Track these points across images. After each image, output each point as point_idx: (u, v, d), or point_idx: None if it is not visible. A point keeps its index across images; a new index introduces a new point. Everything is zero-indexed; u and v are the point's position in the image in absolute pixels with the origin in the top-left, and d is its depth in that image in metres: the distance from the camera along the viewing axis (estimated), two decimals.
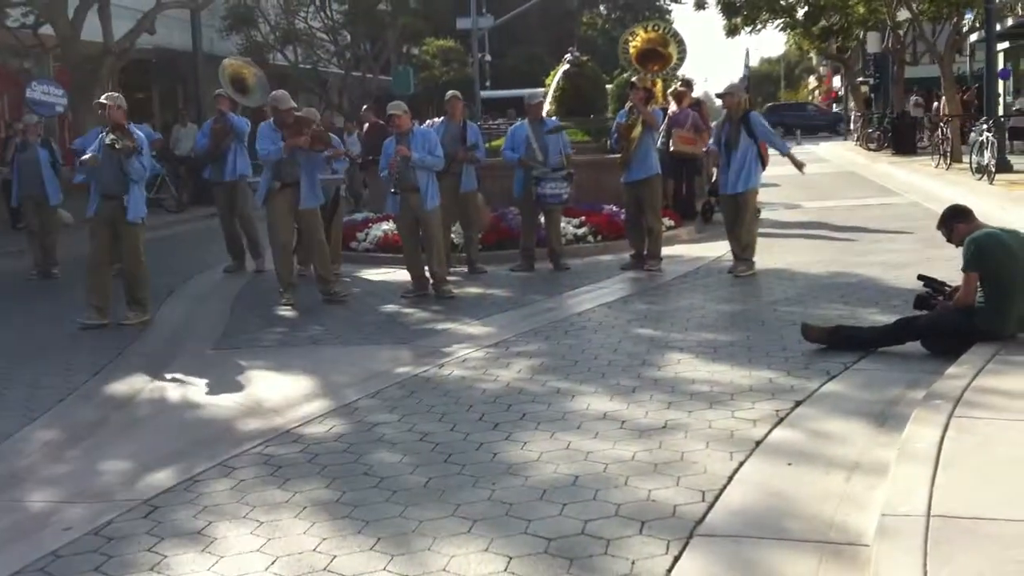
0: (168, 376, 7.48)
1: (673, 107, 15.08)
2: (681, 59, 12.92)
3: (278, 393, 6.82)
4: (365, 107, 20.06)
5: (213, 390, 7.04)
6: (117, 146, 9.04)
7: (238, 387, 7.12)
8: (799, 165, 10.89)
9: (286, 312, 9.72)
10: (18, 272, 13.19)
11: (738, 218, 10.59)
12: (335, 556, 4.17)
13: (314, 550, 4.24)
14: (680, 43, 12.87)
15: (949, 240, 7.23)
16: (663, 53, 12.71)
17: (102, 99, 9.47)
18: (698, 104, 15.90)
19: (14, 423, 6.36)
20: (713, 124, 12.23)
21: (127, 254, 9.46)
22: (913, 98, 34.54)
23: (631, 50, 12.86)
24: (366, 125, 18.44)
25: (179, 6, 22.81)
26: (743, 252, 10.59)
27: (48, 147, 12.96)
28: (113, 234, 9.41)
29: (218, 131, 12.32)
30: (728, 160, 10.58)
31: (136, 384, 7.27)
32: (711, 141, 11.21)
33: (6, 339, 9.09)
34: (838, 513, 4.36)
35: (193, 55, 24.46)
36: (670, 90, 15.75)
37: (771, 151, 10.98)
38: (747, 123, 10.55)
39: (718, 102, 14.69)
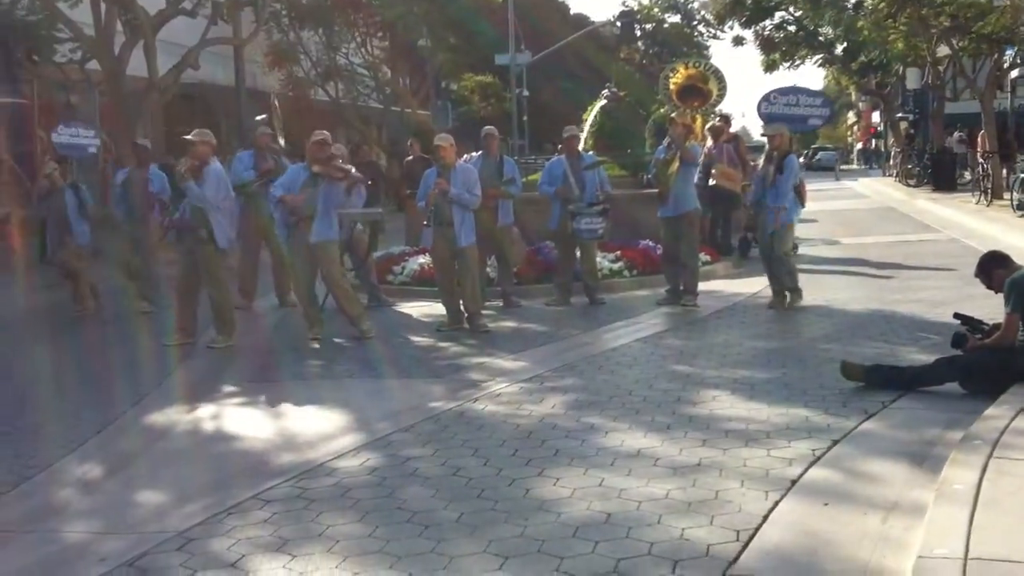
0: (205, 408, 7.54)
1: (709, 143, 15.01)
2: (721, 96, 12.90)
3: (312, 427, 6.85)
4: (410, 141, 20.16)
5: (249, 423, 7.09)
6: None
7: (274, 420, 7.18)
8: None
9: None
10: (55, 306, 13.30)
11: (771, 254, 10.59)
12: None
13: None
14: (720, 80, 12.87)
15: (988, 287, 7.16)
16: (703, 89, 12.71)
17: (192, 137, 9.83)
18: (736, 139, 15.86)
19: (54, 453, 6.44)
20: (755, 162, 12.21)
21: (210, 281, 9.82)
22: (956, 134, 34.30)
23: (671, 86, 12.87)
24: (410, 157, 18.53)
25: (223, 43, 23.20)
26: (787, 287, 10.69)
27: (75, 189, 12.97)
28: (194, 262, 9.81)
29: (269, 172, 11.55)
30: (766, 196, 10.56)
31: (174, 416, 7.34)
32: (755, 178, 11.14)
33: (47, 371, 9.20)
34: (874, 555, 4.30)
35: (236, 90, 24.85)
36: (708, 126, 15.71)
37: (809, 189, 10.95)
38: (781, 164, 10.52)
39: (755, 137, 14.69)
